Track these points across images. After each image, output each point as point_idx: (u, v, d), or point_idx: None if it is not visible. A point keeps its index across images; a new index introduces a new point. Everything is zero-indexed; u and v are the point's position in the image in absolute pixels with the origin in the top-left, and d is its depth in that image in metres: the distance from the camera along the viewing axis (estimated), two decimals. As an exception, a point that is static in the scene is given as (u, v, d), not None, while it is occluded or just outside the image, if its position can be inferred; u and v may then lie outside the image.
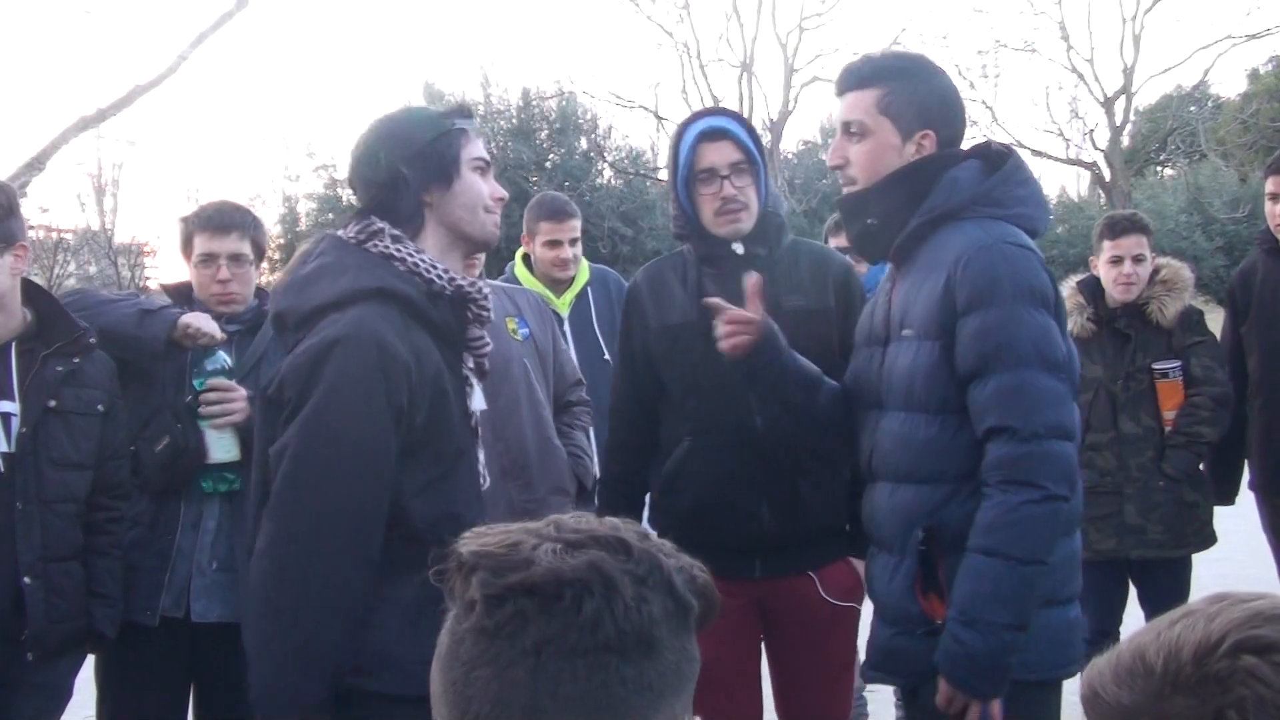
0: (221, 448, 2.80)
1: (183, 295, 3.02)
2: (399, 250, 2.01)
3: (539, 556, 0.85)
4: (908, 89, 2.22)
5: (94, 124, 15.69)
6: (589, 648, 0.83)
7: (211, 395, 2.79)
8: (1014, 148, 2.31)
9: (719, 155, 2.62)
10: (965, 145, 2.32)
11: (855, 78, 2.26)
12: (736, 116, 2.75)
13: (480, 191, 2.08)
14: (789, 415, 2.50)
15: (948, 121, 2.25)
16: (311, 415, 1.89)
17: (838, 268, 2.76)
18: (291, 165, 32.74)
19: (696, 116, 2.74)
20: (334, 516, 1.88)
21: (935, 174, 2.20)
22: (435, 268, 2.02)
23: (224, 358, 2.84)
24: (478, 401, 2.17)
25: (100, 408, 2.72)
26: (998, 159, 2.26)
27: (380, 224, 2.02)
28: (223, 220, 2.96)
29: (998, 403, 2.03)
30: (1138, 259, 3.79)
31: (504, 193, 2.14)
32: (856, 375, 2.34)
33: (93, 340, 2.70)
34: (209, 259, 2.95)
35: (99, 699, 2.91)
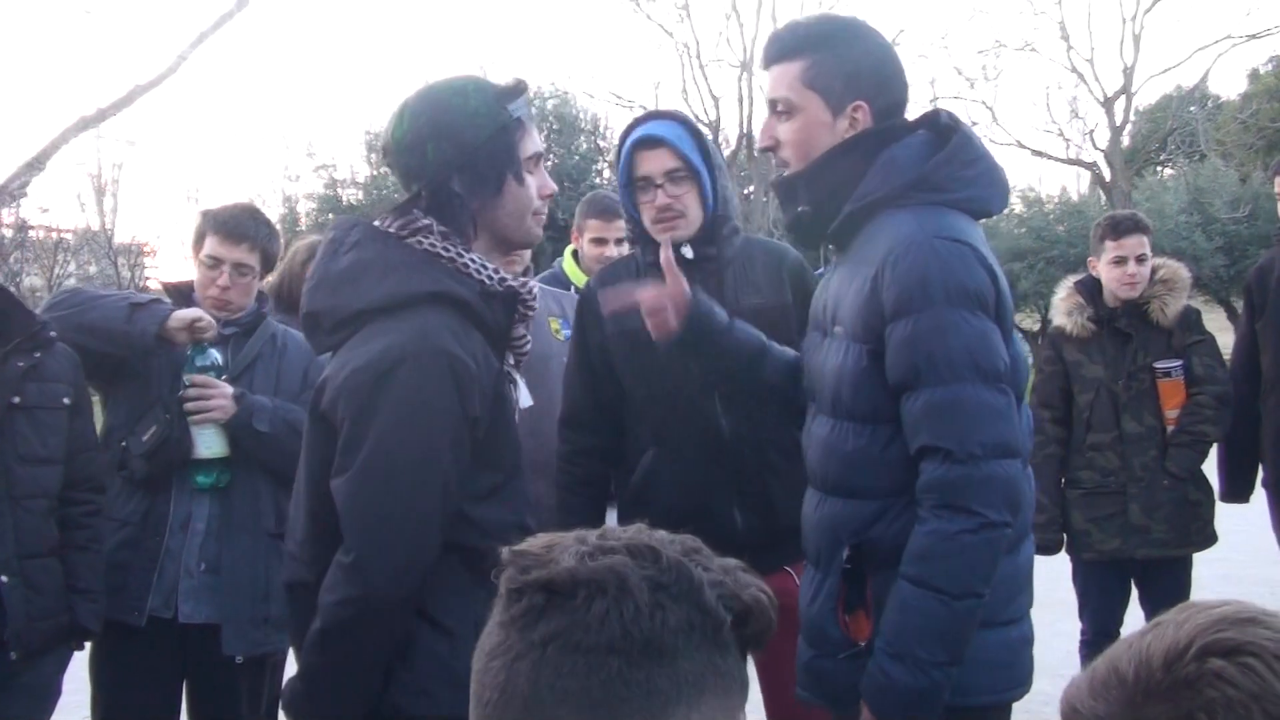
0: (205, 444, 2.79)
1: (182, 295, 3.01)
2: (447, 249, 1.86)
3: (564, 557, 0.88)
4: (834, 57, 2.01)
5: (94, 124, 15.68)
6: (591, 645, 0.84)
7: (192, 391, 2.77)
8: (961, 120, 2.10)
9: (655, 164, 2.57)
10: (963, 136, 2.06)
11: (778, 49, 2.06)
12: (681, 120, 2.67)
13: (530, 196, 1.94)
14: (734, 387, 2.41)
15: (883, 89, 2.03)
16: (385, 445, 1.74)
17: (792, 262, 2.72)
18: (291, 165, 32.80)
19: (637, 122, 2.67)
20: (414, 557, 1.78)
21: (872, 151, 1.99)
22: (486, 267, 1.89)
23: (215, 355, 2.83)
24: (524, 398, 2.09)
25: (66, 401, 2.70)
26: (946, 132, 2.04)
27: (426, 219, 1.87)
28: (236, 228, 2.94)
29: (930, 420, 1.84)
30: (1140, 258, 3.81)
31: (554, 187, 2.02)
32: (804, 360, 2.19)
33: (52, 334, 2.69)
34: (215, 263, 2.93)
35: (93, 699, 2.91)
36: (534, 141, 1.96)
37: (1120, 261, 3.81)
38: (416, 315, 1.79)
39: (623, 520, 2.82)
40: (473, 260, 1.88)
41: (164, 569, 2.81)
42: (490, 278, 1.89)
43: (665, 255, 2.23)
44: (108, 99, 15.51)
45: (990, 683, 1.97)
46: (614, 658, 0.84)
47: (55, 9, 42.80)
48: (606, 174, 22.43)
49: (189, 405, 2.77)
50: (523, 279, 1.99)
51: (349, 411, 1.77)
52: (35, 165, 15.03)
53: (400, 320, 1.78)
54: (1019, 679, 2.02)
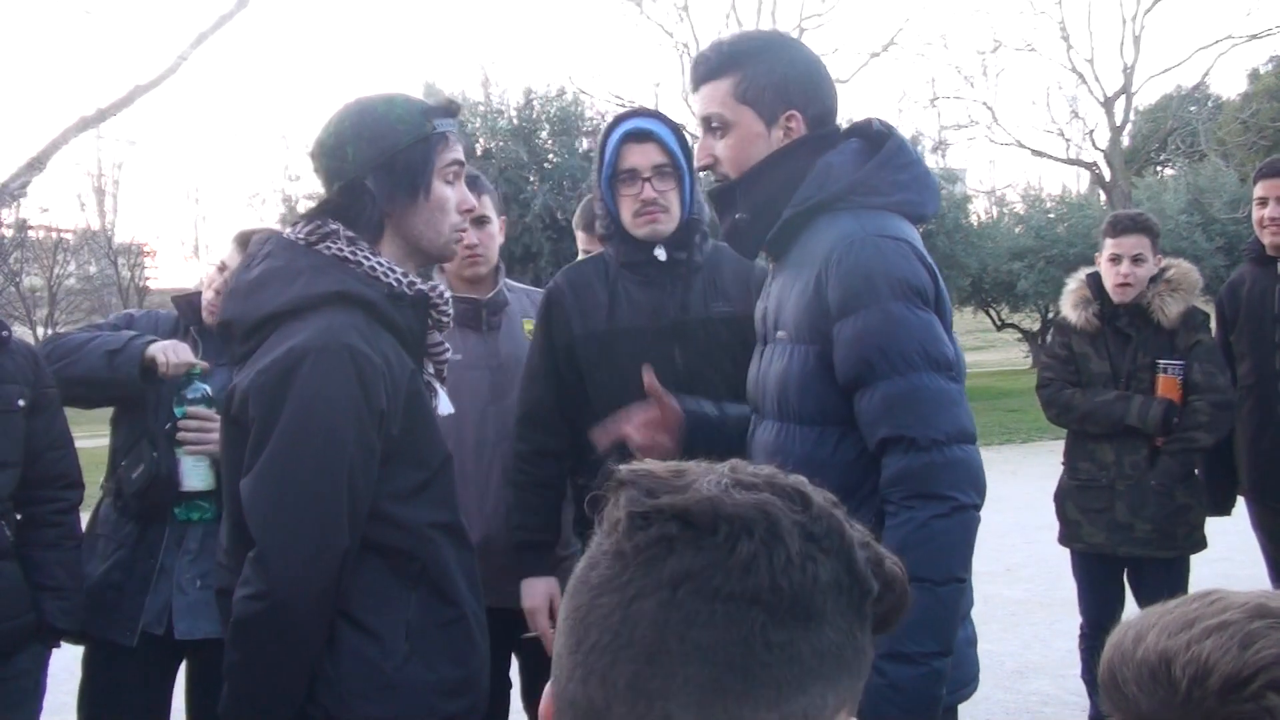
0: (197, 476, 2.76)
1: (191, 306, 3.01)
2: (355, 253, 1.87)
3: (702, 485, 0.74)
4: (763, 70, 2.03)
5: (94, 124, 15.70)
6: (734, 593, 0.70)
7: (191, 423, 2.75)
8: (894, 128, 2.12)
9: (642, 157, 2.59)
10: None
11: (706, 68, 2.08)
12: (666, 120, 2.69)
13: (445, 207, 1.94)
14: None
15: (813, 98, 2.06)
16: (287, 439, 1.75)
17: (759, 272, 2.65)
18: (292, 165, 32.72)
19: (624, 117, 2.68)
20: (320, 547, 1.76)
21: (808, 158, 2.02)
22: (394, 271, 1.89)
23: (204, 387, 2.80)
24: (444, 406, 2.07)
25: (21, 403, 2.67)
26: (879, 139, 2.07)
27: (334, 225, 1.89)
28: (249, 241, 2.94)
29: (889, 411, 1.85)
30: (1137, 259, 3.76)
31: (473, 202, 2.03)
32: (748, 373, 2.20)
33: (5, 334, 2.67)
34: (223, 267, 2.94)
35: (79, 710, 2.90)
36: (455, 152, 1.96)
37: (1115, 260, 3.78)
38: (321, 315, 1.80)
39: (578, 525, 2.82)
40: (380, 264, 1.88)
41: (157, 586, 2.80)
42: (398, 281, 1.90)
43: (649, 380, 2.19)
44: (108, 99, 15.54)
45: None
46: (757, 611, 0.70)
47: (55, 9, 42.85)
48: (607, 174, 22.40)
49: (187, 437, 2.75)
50: (433, 284, 1.96)
51: (257, 411, 1.78)
52: (35, 165, 15.04)
53: (306, 321, 1.80)
54: (967, 678, 2.03)
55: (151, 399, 2.84)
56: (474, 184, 3.07)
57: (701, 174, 2.19)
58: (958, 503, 1.84)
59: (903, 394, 1.85)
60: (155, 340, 2.80)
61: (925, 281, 1.92)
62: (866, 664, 0.77)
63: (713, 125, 2.07)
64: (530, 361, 2.85)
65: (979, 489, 1.88)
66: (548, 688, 0.77)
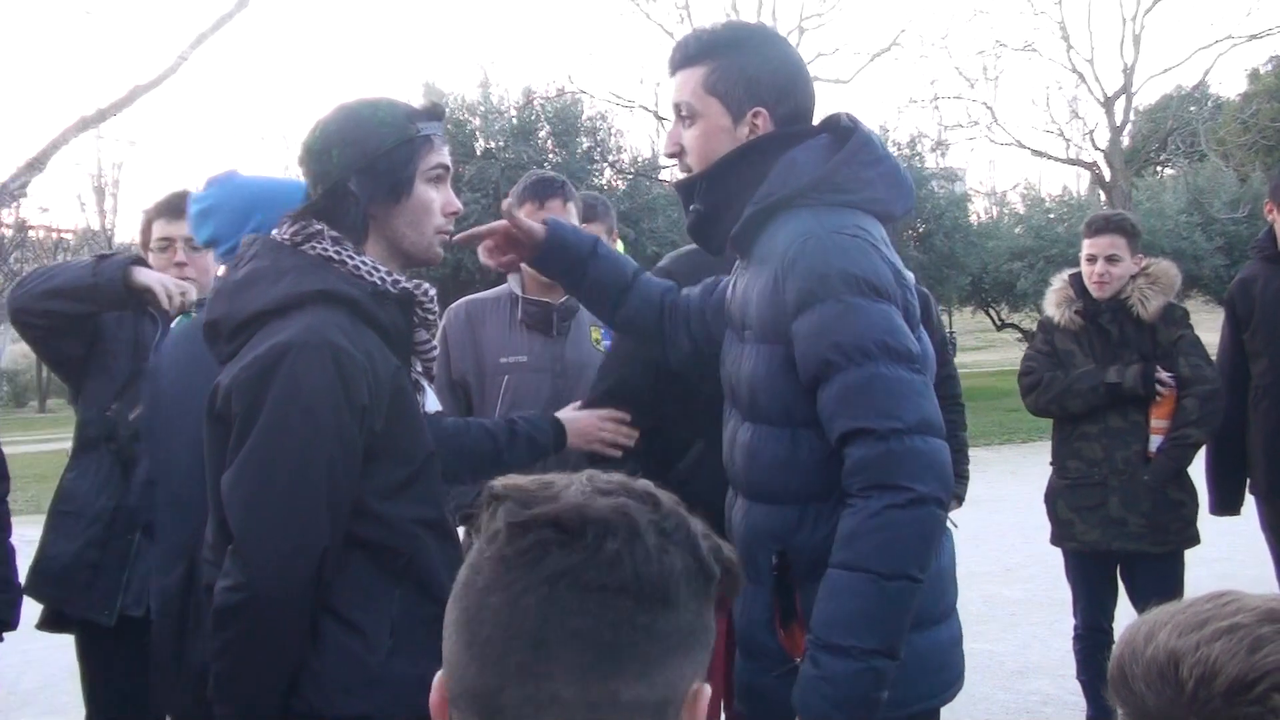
0: None
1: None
2: (339, 253, 1.90)
3: (568, 494, 0.86)
4: (735, 64, 1.98)
5: (94, 124, 15.71)
6: (604, 585, 0.82)
7: None
8: (861, 122, 2.05)
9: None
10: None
11: (683, 55, 2.03)
12: None
13: (429, 209, 1.96)
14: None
15: (784, 96, 2.00)
16: (267, 434, 1.77)
17: None
18: (291, 165, 32.74)
19: None
20: (299, 543, 1.77)
21: (774, 154, 1.97)
22: (378, 269, 1.92)
23: None
24: (431, 404, 2.09)
25: None
26: (845, 134, 2.00)
27: (319, 225, 1.92)
28: (178, 204, 2.89)
29: (846, 404, 1.78)
30: (1111, 259, 3.80)
31: (458, 205, 2.03)
32: (723, 362, 2.13)
33: None
34: (166, 244, 2.91)
35: (86, 705, 2.92)
36: (440, 155, 1.97)
37: (1091, 260, 3.83)
38: (305, 314, 1.83)
39: None
40: (364, 263, 1.91)
41: (134, 566, 2.78)
42: (382, 279, 1.92)
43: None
44: (108, 99, 15.54)
45: (926, 687, 1.91)
46: (625, 599, 0.83)
47: (55, 9, 42.87)
48: (607, 174, 22.44)
49: None
50: (418, 282, 1.97)
51: (239, 407, 1.80)
52: (35, 165, 15.04)
53: (290, 319, 1.82)
54: (951, 680, 1.98)
55: (124, 344, 2.82)
56: (559, 190, 3.03)
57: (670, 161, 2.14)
58: (916, 494, 1.74)
59: (859, 385, 1.78)
60: (141, 260, 2.77)
61: (885, 277, 1.85)
62: (713, 638, 0.90)
63: (682, 114, 2.04)
64: (624, 342, 2.77)
65: (943, 481, 1.78)
66: (438, 680, 0.89)
